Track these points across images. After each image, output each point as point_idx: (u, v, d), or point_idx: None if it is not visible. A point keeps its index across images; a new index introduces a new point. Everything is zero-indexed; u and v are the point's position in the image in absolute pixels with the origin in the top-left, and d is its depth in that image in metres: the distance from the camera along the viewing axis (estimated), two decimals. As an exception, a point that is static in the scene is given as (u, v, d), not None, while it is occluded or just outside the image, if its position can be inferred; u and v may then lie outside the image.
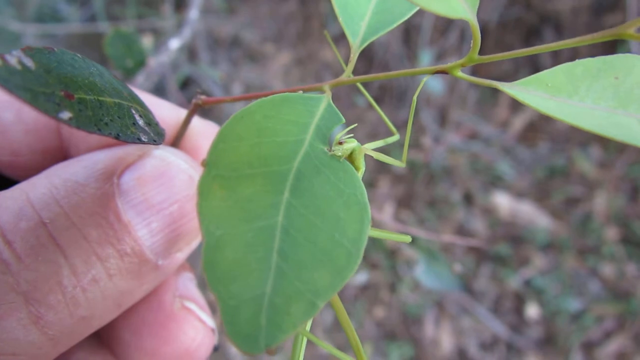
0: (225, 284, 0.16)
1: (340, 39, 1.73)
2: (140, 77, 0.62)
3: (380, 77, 0.23)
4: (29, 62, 0.19)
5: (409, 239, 0.25)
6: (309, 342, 0.24)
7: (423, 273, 0.63)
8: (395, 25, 0.24)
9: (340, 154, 0.20)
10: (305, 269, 0.17)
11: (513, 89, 0.19)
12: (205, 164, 0.18)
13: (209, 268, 0.16)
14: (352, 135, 0.22)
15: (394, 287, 1.49)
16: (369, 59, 1.74)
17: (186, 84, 1.55)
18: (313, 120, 0.21)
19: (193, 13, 0.75)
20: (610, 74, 0.18)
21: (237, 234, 0.17)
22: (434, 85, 1.27)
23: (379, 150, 0.25)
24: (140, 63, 0.61)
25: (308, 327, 0.22)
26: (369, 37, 0.24)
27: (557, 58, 1.73)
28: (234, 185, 0.18)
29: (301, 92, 0.23)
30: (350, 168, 0.20)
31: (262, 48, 1.83)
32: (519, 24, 1.77)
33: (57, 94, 0.19)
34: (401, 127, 1.70)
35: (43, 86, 0.18)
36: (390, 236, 0.25)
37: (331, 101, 0.22)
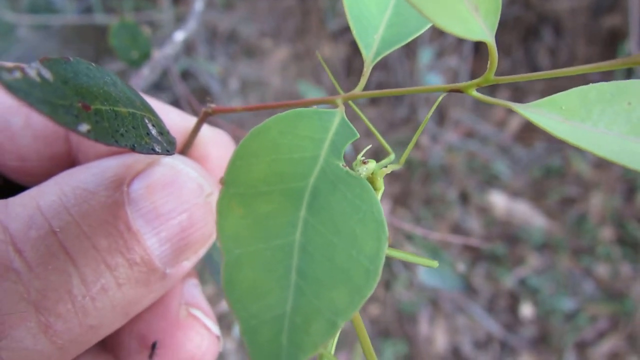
0: (245, 304, 0.16)
1: (339, 36, 1.72)
2: (145, 70, 0.60)
3: (393, 92, 0.23)
4: (47, 74, 0.19)
5: (435, 264, 0.24)
6: None
7: (425, 272, 0.63)
8: (409, 39, 0.24)
9: (365, 174, 0.20)
10: (324, 287, 0.17)
11: (527, 111, 0.19)
12: (223, 182, 0.18)
13: (229, 288, 0.16)
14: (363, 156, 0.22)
15: (389, 285, 1.50)
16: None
17: (183, 78, 1.54)
18: (328, 136, 0.21)
19: (198, 5, 0.74)
20: (623, 100, 0.18)
21: (255, 253, 0.17)
22: (434, 82, 1.27)
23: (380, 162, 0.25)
24: (146, 55, 0.59)
25: (332, 350, 0.22)
26: (382, 50, 0.24)
27: (555, 60, 1.73)
28: (251, 203, 0.18)
29: (315, 106, 0.23)
30: (366, 184, 0.20)
31: (260, 43, 1.82)
32: (517, 23, 1.78)
33: (75, 105, 0.19)
34: (399, 125, 1.70)
35: (62, 98, 0.18)
36: (414, 259, 0.24)
37: (344, 116, 0.22)
